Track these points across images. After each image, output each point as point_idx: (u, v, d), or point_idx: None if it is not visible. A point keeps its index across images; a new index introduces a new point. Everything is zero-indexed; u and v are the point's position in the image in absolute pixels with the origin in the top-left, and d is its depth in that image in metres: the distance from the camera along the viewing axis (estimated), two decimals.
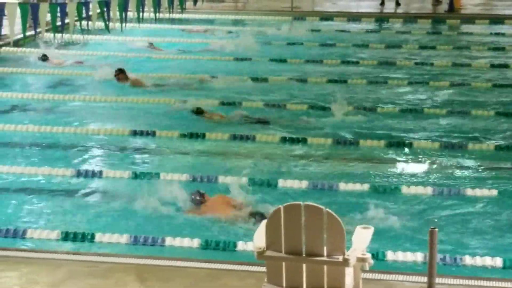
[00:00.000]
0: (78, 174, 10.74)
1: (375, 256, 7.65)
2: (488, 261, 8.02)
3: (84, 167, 11.07)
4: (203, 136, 12.50)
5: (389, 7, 26.39)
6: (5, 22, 11.61)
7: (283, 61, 18.34)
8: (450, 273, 7.57)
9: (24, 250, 7.95)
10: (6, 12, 11.71)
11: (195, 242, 8.50)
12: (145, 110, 14.23)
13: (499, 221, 9.40)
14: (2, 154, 11.73)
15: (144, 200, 9.68)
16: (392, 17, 24.61)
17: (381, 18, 24.47)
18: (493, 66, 17.89)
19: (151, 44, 19.78)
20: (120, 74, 16.01)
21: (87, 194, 10.21)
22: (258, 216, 9.19)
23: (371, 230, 6.32)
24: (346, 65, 18.03)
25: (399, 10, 25.87)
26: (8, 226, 8.84)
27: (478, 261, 8.04)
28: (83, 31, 14.65)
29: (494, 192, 10.06)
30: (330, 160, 11.68)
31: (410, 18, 24.44)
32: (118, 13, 14.36)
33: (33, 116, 13.74)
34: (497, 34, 21.94)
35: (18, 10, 12.14)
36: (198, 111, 13.81)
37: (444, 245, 8.36)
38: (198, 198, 9.64)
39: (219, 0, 27.02)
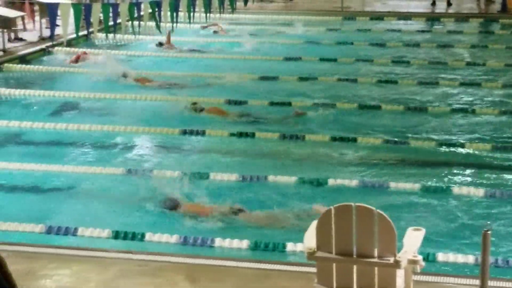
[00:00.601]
0: (129, 172, 10.82)
1: (426, 258, 7.58)
2: None
3: (135, 166, 11.12)
4: (253, 135, 12.50)
5: (440, 7, 26.16)
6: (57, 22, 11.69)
7: (332, 60, 18.27)
8: (503, 275, 7.49)
9: (76, 248, 8.01)
10: (59, 12, 11.88)
11: (245, 243, 8.50)
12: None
13: None
14: (55, 153, 11.86)
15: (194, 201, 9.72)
16: (443, 17, 24.40)
17: (432, 18, 24.25)
18: None
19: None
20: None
21: (137, 194, 10.27)
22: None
23: (422, 232, 6.28)
24: (396, 65, 17.91)
25: (450, 10, 25.63)
26: (60, 224, 8.93)
27: None
28: (134, 31, 14.76)
29: None
30: (380, 160, 11.61)
31: (462, 18, 24.21)
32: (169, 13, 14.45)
33: (86, 115, 13.87)
34: None
35: (71, 11, 12.31)
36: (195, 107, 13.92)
37: (496, 247, 8.27)
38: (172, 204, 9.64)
39: (269, 0, 27.03)
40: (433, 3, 26.19)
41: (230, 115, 13.70)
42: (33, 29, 20.95)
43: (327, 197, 9.88)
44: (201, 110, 13.68)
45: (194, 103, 13.79)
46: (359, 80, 16.36)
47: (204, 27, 21.17)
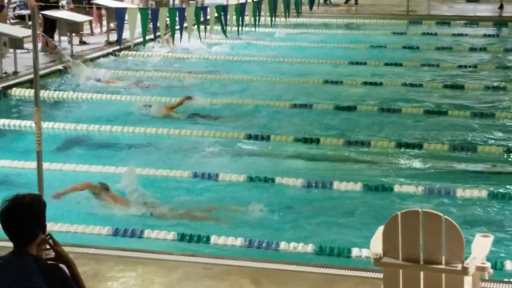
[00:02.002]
0: (195, 175, 10.89)
1: (494, 265, 7.47)
2: None
3: (201, 169, 11.18)
4: (318, 141, 12.47)
5: (508, 10, 25.79)
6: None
7: (398, 65, 18.14)
8: None
9: (142, 251, 8.08)
10: (127, 16, 11.96)
11: (309, 247, 8.49)
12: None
13: None
14: (114, 154, 11.99)
15: (259, 204, 9.75)
16: (511, 21, 24.03)
17: (499, 22, 23.91)
18: None
19: None
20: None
21: (203, 196, 10.33)
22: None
23: (490, 239, 6.20)
24: (463, 69, 17.71)
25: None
26: (126, 226, 9.03)
27: None
28: (200, 35, 14.83)
29: None
30: (446, 165, 11.49)
31: None
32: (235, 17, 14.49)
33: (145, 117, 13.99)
34: None
35: (139, 15, 12.39)
36: None
37: None
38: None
39: (334, 4, 26.96)
40: (501, 7, 25.77)
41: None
42: (100, 33, 21.26)
43: (392, 203, 9.82)
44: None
45: None
46: (425, 85, 16.20)
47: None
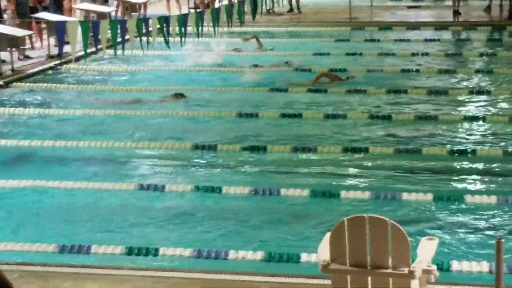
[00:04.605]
0: (141, 188, 10.82)
1: (440, 266, 7.55)
2: None
3: (147, 181, 11.13)
4: (264, 149, 12.50)
5: (450, 15, 26.15)
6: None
7: (342, 71, 18.26)
8: None
9: (90, 267, 8.00)
10: (67, 30, 11.93)
11: (259, 255, 8.49)
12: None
13: None
14: (63, 170, 11.87)
15: (206, 214, 9.73)
16: (451, 26, 24.38)
17: (440, 27, 24.23)
18: None
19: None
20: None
21: (150, 209, 10.28)
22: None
23: (436, 242, 6.27)
24: (406, 74, 17.90)
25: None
26: (73, 242, 8.93)
27: None
28: (143, 47, 14.81)
29: None
30: (392, 169, 11.59)
31: (470, 26, 24.19)
32: (177, 29, 14.49)
33: (93, 131, 13.88)
34: None
35: (79, 28, 12.35)
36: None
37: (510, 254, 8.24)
38: None
39: (277, 13, 27.08)
40: (456, 13, 25.96)
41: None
42: (41, 48, 21.07)
43: (340, 208, 9.87)
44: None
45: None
46: (368, 90, 16.34)
47: (246, 39, 21.24)
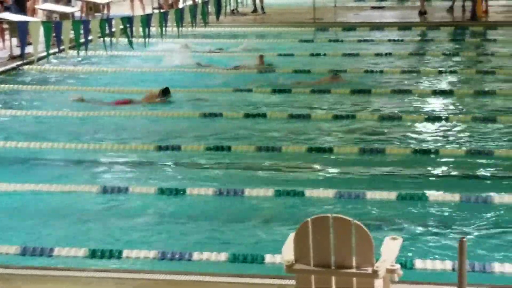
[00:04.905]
0: (104, 190, 10.75)
1: (404, 265, 7.58)
2: None
3: (110, 183, 11.06)
4: (229, 148, 12.47)
5: (413, 16, 26.31)
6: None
7: (306, 72, 18.30)
8: (480, 281, 7.50)
9: (53, 269, 7.93)
10: (29, 30, 11.82)
11: (223, 256, 8.47)
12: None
13: None
14: (26, 172, 11.76)
15: (170, 215, 9.69)
16: (415, 26, 24.54)
17: (404, 27, 24.37)
18: None
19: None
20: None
21: (113, 211, 10.22)
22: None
23: (399, 241, 6.30)
24: (369, 74, 17.97)
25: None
26: (36, 244, 8.84)
27: (508, 268, 7.96)
28: (106, 48, 14.73)
29: None
30: (356, 169, 11.63)
31: (433, 26, 24.37)
32: (141, 29, 14.42)
33: (53, 133, 13.76)
34: None
35: (41, 29, 12.24)
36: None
37: (473, 252, 8.30)
38: None
39: (241, 14, 27.08)
40: (424, 13, 26.09)
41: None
42: (2, 48, 20.88)
43: (304, 208, 9.88)
44: None
45: None
46: (332, 90, 16.38)
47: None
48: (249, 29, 24.89)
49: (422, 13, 26.09)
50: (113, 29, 14.70)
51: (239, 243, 9.11)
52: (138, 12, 24.69)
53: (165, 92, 15.63)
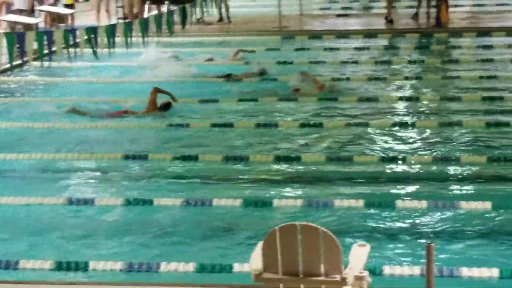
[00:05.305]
0: (70, 201, 10.64)
1: (372, 272, 7.57)
2: (485, 272, 7.98)
3: (76, 194, 10.96)
4: (196, 158, 12.41)
5: (378, 23, 26.43)
6: None
7: (273, 80, 18.30)
8: (449, 286, 7.52)
9: (19, 282, 7.83)
10: None
11: (191, 266, 8.41)
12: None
13: (493, 232, 9.36)
14: None
15: (137, 226, 9.63)
16: (380, 33, 24.65)
17: (369, 35, 24.46)
18: (482, 77, 17.91)
19: None
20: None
21: (80, 222, 10.12)
22: None
23: (367, 248, 6.29)
24: (336, 82, 18.00)
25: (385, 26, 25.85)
26: (1, 257, 8.71)
27: (475, 272, 7.99)
28: (70, 58, 14.65)
29: (488, 204, 9.99)
30: (324, 177, 11.63)
31: (398, 33, 24.49)
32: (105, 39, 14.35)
33: (19, 144, 13.62)
34: (484, 46, 21.98)
35: (4, 40, 12.14)
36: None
37: (441, 257, 8.33)
38: None
39: (207, 23, 27.04)
40: (390, 21, 26.20)
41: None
42: None
43: (272, 217, 9.85)
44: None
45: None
46: (299, 98, 16.39)
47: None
48: (215, 38, 24.86)
49: (388, 20, 26.19)
50: (78, 40, 14.62)
51: (207, 253, 9.06)
52: (104, 22, 24.55)
53: (167, 106, 15.50)
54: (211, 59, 21.03)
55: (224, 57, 21.23)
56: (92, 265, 8.51)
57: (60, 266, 8.51)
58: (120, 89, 17.78)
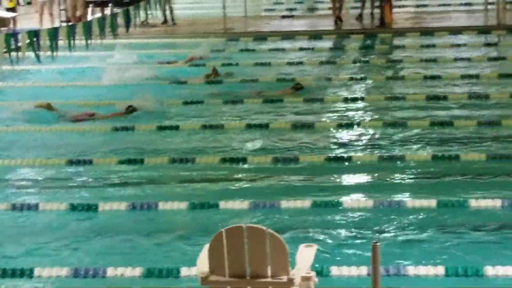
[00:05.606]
0: (14, 207, 10.48)
1: (319, 272, 7.60)
2: (431, 270, 8.05)
3: (20, 200, 10.80)
4: (142, 161, 12.32)
5: (323, 24, 26.56)
6: None
7: (218, 82, 18.27)
8: (394, 285, 7.56)
9: None
10: None
11: (137, 271, 8.35)
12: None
13: (439, 230, 9.44)
14: None
15: (83, 231, 9.53)
16: (325, 34, 24.76)
17: (314, 36, 24.56)
18: (425, 77, 18.09)
19: None
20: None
21: (24, 228, 9.98)
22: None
23: (314, 248, 6.31)
24: (281, 83, 18.03)
25: (331, 27, 25.95)
26: None
27: (422, 270, 8.05)
28: (12, 62, 14.45)
29: (433, 202, 10.08)
30: (270, 178, 11.63)
31: (343, 34, 24.64)
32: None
33: None
34: (428, 46, 22.22)
35: None
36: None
37: (387, 257, 8.37)
38: None
39: (151, 25, 26.91)
40: (339, 20, 26.27)
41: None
42: None
43: (219, 220, 9.82)
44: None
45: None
46: (245, 100, 16.38)
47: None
48: (160, 40, 24.76)
49: (338, 20, 26.25)
50: (19, 44, 14.42)
51: (154, 257, 8.99)
52: (47, 26, 24.29)
53: (133, 109, 15.39)
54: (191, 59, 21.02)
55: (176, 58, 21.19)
56: (37, 271, 8.40)
57: (4, 273, 8.39)
58: (63, 93, 17.60)
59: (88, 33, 15.67)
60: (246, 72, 19.46)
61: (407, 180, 11.32)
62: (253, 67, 20.08)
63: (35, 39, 14.00)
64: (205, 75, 18.79)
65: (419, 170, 11.70)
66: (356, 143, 13.28)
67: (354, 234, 9.37)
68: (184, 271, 8.26)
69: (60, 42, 15.31)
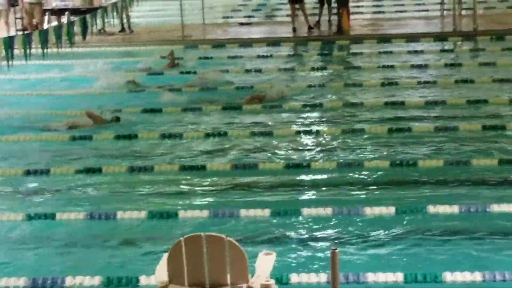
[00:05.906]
0: None
1: (279, 280, 7.60)
2: (390, 277, 8.08)
3: None
4: (100, 170, 12.23)
5: (281, 31, 26.64)
6: None
7: (176, 90, 18.22)
8: None
9: None
10: None
11: (97, 280, 8.28)
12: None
13: (397, 236, 9.48)
14: None
15: (40, 242, 9.42)
16: (283, 41, 24.84)
17: (273, 43, 24.62)
18: (383, 84, 18.20)
19: None
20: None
21: None
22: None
23: (273, 256, 6.30)
24: (240, 91, 18.04)
25: (289, 34, 26.03)
26: None
27: (381, 277, 8.08)
28: None
29: (392, 209, 10.12)
30: (230, 185, 11.61)
31: (301, 41, 24.74)
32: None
33: None
34: (385, 52, 22.39)
35: None
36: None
37: (347, 264, 8.39)
38: None
39: (108, 33, 26.78)
40: (312, 27, 26.33)
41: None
42: None
43: (178, 229, 9.77)
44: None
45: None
46: (204, 108, 16.35)
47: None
48: (117, 48, 24.66)
49: (310, 27, 26.26)
50: None
51: (113, 266, 8.94)
52: (3, 34, 24.06)
53: (117, 118, 15.40)
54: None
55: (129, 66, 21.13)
56: (69, 281, 8.30)
57: None
58: (20, 102, 17.45)
59: (44, 42, 15.54)
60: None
61: (366, 187, 11.35)
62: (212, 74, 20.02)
63: None
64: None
65: (378, 176, 11.76)
66: (314, 150, 13.31)
67: (313, 241, 9.38)
68: (144, 280, 8.21)
69: (16, 51, 15.17)
